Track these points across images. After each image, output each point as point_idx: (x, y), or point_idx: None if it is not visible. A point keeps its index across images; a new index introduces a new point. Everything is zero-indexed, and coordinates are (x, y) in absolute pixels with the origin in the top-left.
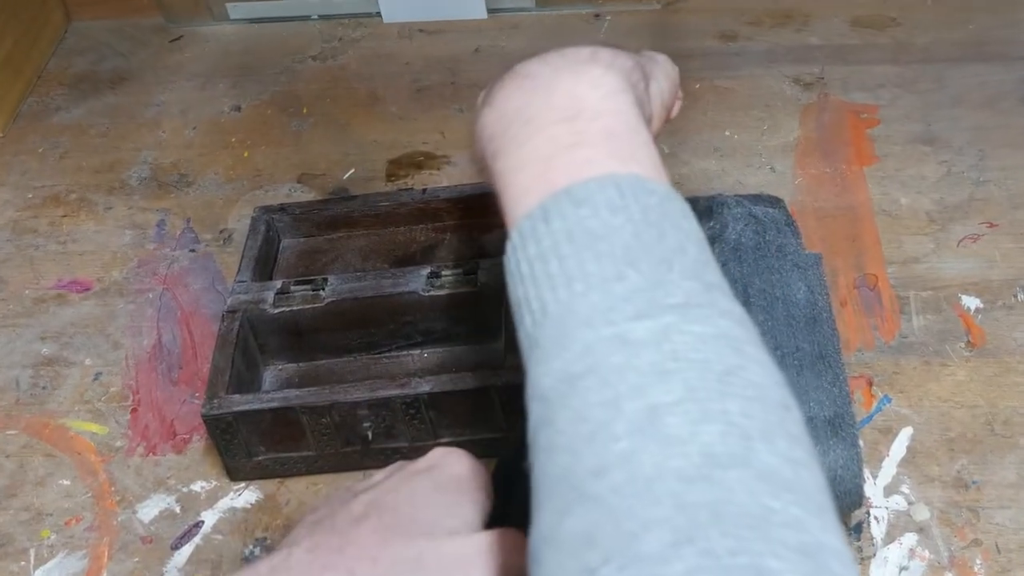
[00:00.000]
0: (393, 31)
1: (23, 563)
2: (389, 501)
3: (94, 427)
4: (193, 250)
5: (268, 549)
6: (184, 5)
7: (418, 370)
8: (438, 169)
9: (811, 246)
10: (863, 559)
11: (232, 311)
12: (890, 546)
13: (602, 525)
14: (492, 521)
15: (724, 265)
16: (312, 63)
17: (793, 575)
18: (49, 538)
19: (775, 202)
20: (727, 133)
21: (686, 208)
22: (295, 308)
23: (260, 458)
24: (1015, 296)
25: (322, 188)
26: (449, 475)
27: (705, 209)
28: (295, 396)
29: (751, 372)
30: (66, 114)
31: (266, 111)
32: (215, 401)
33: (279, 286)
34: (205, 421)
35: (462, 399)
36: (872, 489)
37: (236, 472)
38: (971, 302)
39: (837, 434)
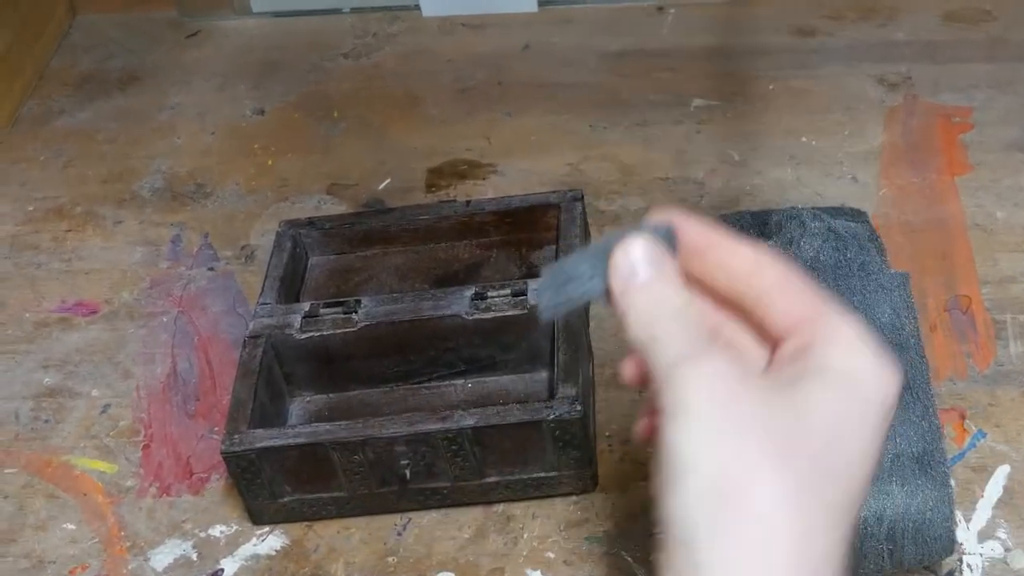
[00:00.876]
0: (433, 25)
1: None
2: None
3: (102, 465)
4: (211, 268)
5: None
6: None
7: (461, 402)
8: (483, 179)
9: (897, 264)
10: None
11: (255, 336)
12: None
13: None
14: None
15: None
16: (344, 61)
17: None
18: None
19: (857, 215)
20: (804, 139)
21: None
22: (325, 333)
23: (286, 499)
24: None
25: (354, 200)
26: None
27: (778, 224)
28: (325, 431)
29: None
30: (70, 118)
31: (292, 114)
32: (236, 436)
33: (307, 309)
34: (225, 458)
35: (510, 434)
36: (965, 534)
37: (259, 515)
38: None
39: (926, 473)
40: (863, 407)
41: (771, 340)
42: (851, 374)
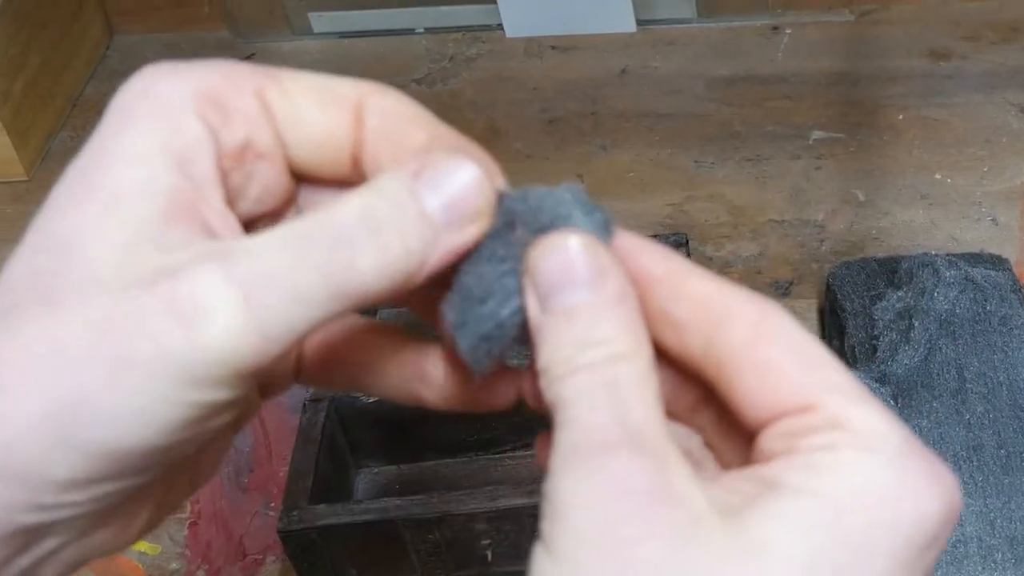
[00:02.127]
0: (518, 47)
1: None
2: None
3: (143, 545)
4: None
5: None
6: (257, 16)
7: None
8: None
9: None
10: None
11: (316, 400)
12: None
13: None
14: None
15: (933, 342)
16: (417, 87)
17: None
18: None
19: (998, 263)
20: (938, 176)
21: None
22: None
23: None
24: None
25: None
26: None
27: (908, 272)
28: (395, 506)
29: None
30: None
31: None
32: (295, 513)
33: None
34: (282, 538)
35: None
36: None
37: None
38: None
39: None
40: (874, 538)
41: (740, 431)
42: (856, 490)
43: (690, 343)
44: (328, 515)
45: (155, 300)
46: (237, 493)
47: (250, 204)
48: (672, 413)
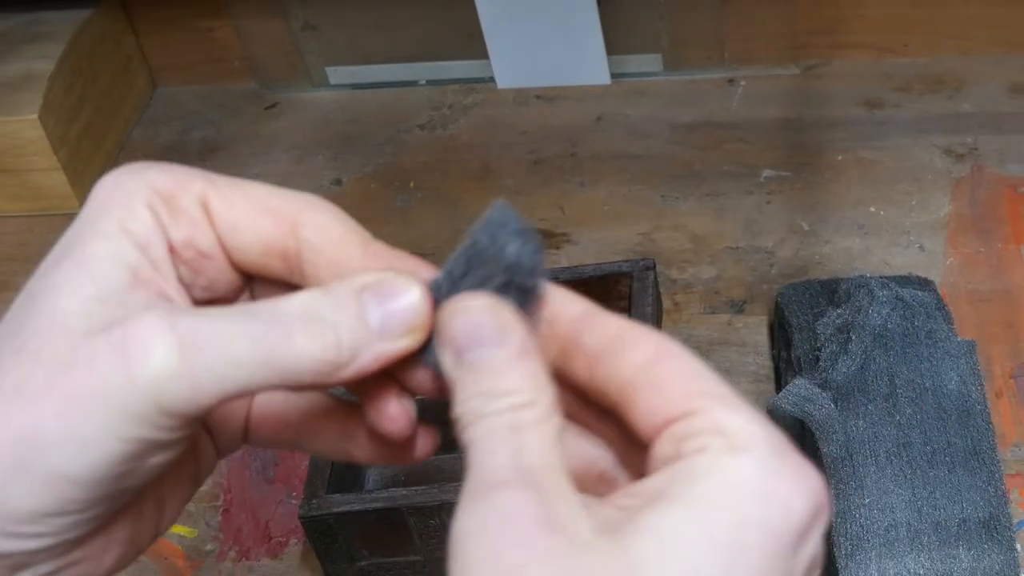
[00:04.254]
0: (508, 98)
1: None
2: None
3: (182, 529)
4: None
5: None
6: (280, 69)
7: None
8: (557, 248)
9: (964, 332)
10: None
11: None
12: None
13: None
14: None
15: (868, 353)
16: (419, 132)
17: None
18: None
19: (925, 284)
20: (872, 209)
21: None
22: None
23: (363, 563)
24: None
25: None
26: None
27: (846, 292)
28: (401, 496)
29: None
30: None
31: (369, 185)
32: (314, 501)
33: None
34: (303, 523)
35: None
36: None
37: None
38: None
39: (992, 537)
40: (744, 535)
41: (641, 448)
42: (725, 491)
43: (598, 370)
44: (343, 503)
45: (106, 342)
46: (263, 484)
47: (199, 291)
48: (583, 427)
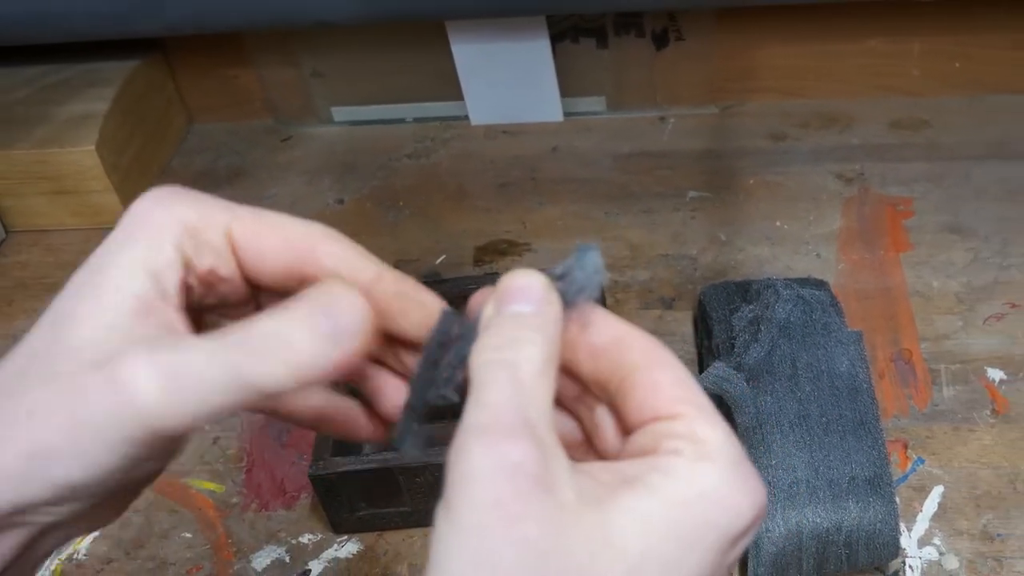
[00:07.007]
0: (479, 132)
1: None
2: None
3: (213, 485)
4: None
5: None
6: (293, 109)
7: None
8: (520, 255)
9: (853, 324)
10: None
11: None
12: None
13: None
14: None
15: (774, 341)
16: (407, 161)
17: None
18: None
19: (820, 285)
20: (777, 223)
21: None
22: None
23: (361, 513)
24: None
25: (416, 272)
26: None
27: (757, 291)
28: (392, 458)
29: None
30: None
31: (366, 204)
32: (320, 462)
33: None
34: (311, 480)
35: None
36: (907, 541)
37: (339, 526)
38: (996, 374)
39: (876, 492)
40: (700, 533)
41: (621, 427)
42: (693, 494)
43: (601, 363)
44: (344, 464)
45: (102, 377)
46: (279, 448)
47: (211, 299)
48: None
